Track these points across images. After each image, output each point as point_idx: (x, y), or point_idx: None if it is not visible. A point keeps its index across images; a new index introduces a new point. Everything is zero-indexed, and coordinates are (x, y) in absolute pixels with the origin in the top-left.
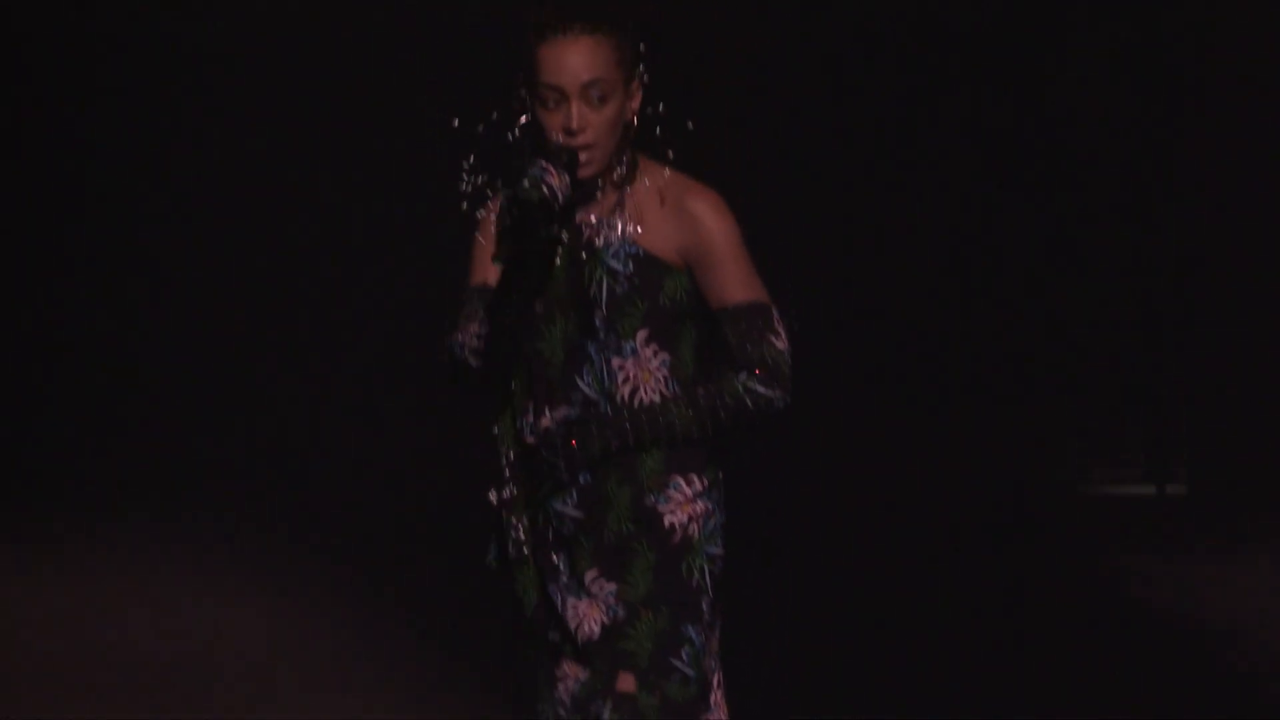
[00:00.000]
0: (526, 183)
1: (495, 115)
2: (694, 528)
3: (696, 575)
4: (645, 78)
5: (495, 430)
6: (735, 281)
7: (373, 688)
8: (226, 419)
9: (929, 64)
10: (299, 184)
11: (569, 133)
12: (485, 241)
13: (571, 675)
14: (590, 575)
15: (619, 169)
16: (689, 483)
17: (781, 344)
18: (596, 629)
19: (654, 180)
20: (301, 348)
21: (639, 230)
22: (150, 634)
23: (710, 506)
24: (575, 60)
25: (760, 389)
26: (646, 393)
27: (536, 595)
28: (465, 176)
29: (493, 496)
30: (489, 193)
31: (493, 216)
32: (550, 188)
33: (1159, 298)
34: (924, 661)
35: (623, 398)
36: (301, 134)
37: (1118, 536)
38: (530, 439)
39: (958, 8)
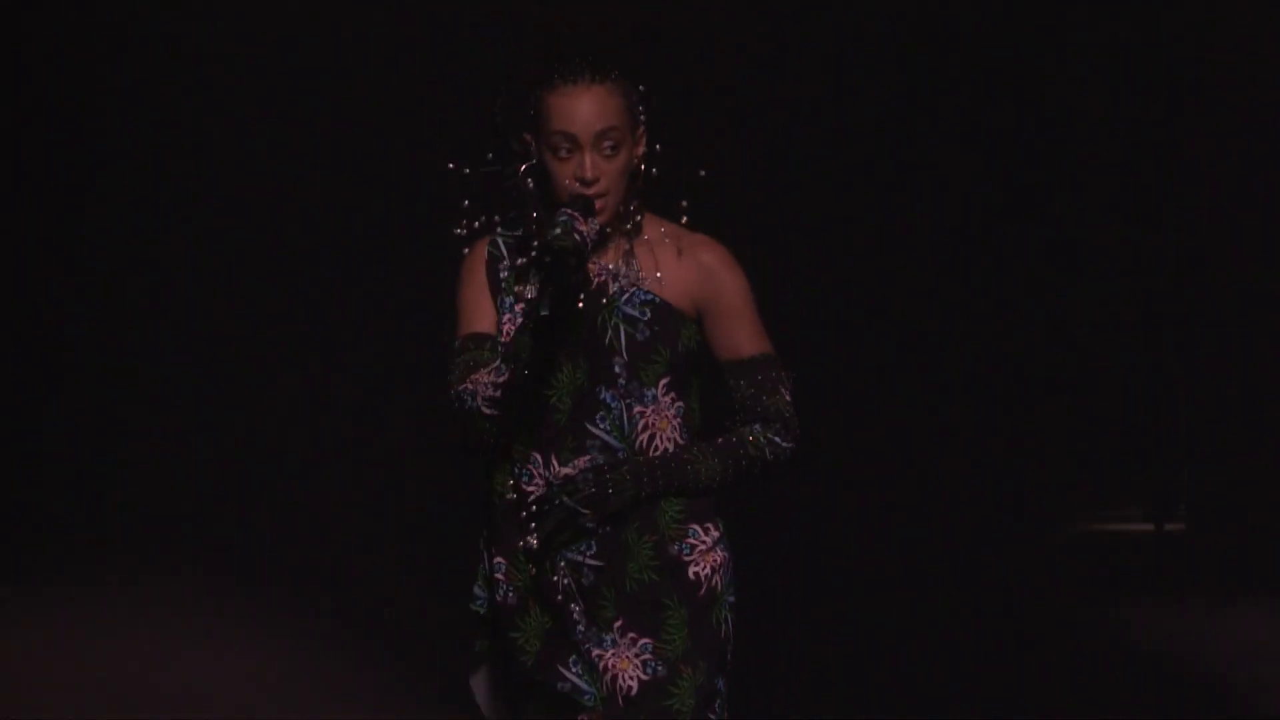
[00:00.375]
0: (559, 230)
1: (490, 156)
2: (717, 579)
3: (724, 627)
4: (645, 124)
5: (494, 478)
6: (748, 334)
7: None
8: (220, 454)
9: (924, 66)
10: (305, 188)
11: (584, 182)
12: (470, 291)
13: None
14: (617, 625)
15: (628, 217)
16: (705, 531)
17: (789, 396)
18: (635, 685)
19: (657, 230)
20: (300, 369)
21: (657, 279)
22: (141, 669)
23: (727, 555)
24: (588, 110)
25: (779, 441)
26: (662, 441)
27: (539, 644)
28: (462, 222)
29: (521, 543)
30: (478, 234)
31: (476, 265)
32: (580, 234)
33: (1163, 334)
34: (915, 696)
35: (641, 445)
36: (308, 136)
37: (1115, 574)
38: (537, 486)
39: (952, 7)
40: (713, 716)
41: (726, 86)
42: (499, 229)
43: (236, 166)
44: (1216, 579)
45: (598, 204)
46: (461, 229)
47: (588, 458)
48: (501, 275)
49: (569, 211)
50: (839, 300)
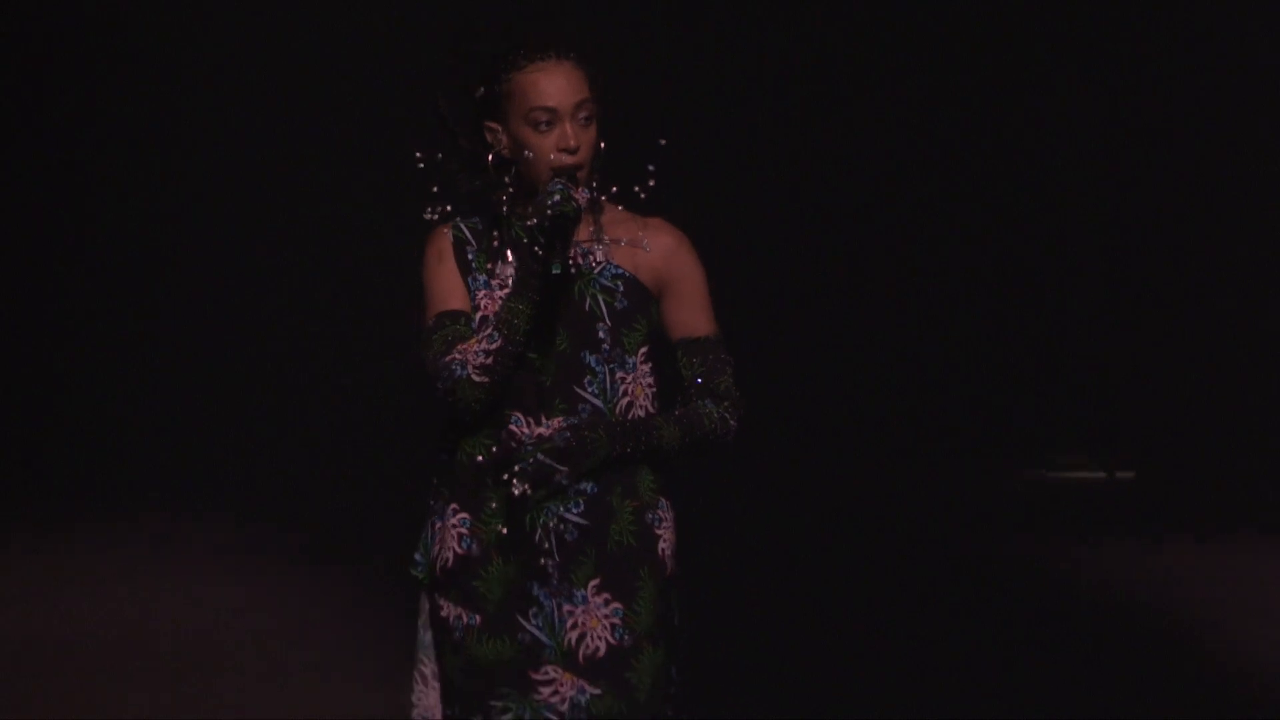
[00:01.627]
0: (559, 197)
1: (440, 156)
2: (671, 562)
3: (676, 613)
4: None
5: (464, 440)
6: (703, 314)
7: (375, 669)
8: (241, 417)
9: (873, 43)
10: (311, 182)
11: (568, 151)
12: (441, 271)
13: (567, 681)
14: (593, 584)
15: (592, 194)
16: (668, 507)
17: (733, 378)
18: (602, 647)
19: (614, 211)
20: (307, 349)
21: (629, 256)
22: (168, 614)
23: (675, 538)
24: (564, 83)
25: (729, 418)
26: (636, 409)
27: (501, 593)
28: (430, 207)
29: (515, 489)
30: (449, 216)
31: (444, 248)
32: (577, 203)
33: (1118, 298)
34: (876, 641)
35: (620, 410)
36: (312, 132)
37: (1072, 519)
38: (517, 445)
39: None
40: (669, 705)
41: (670, 69)
42: (457, 217)
43: (249, 162)
44: (1163, 522)
45: (580, 174)
46: (431, 213)
47: (560, 418)
48: (470, 257)
49: (562, 181)
50: (799, 259)
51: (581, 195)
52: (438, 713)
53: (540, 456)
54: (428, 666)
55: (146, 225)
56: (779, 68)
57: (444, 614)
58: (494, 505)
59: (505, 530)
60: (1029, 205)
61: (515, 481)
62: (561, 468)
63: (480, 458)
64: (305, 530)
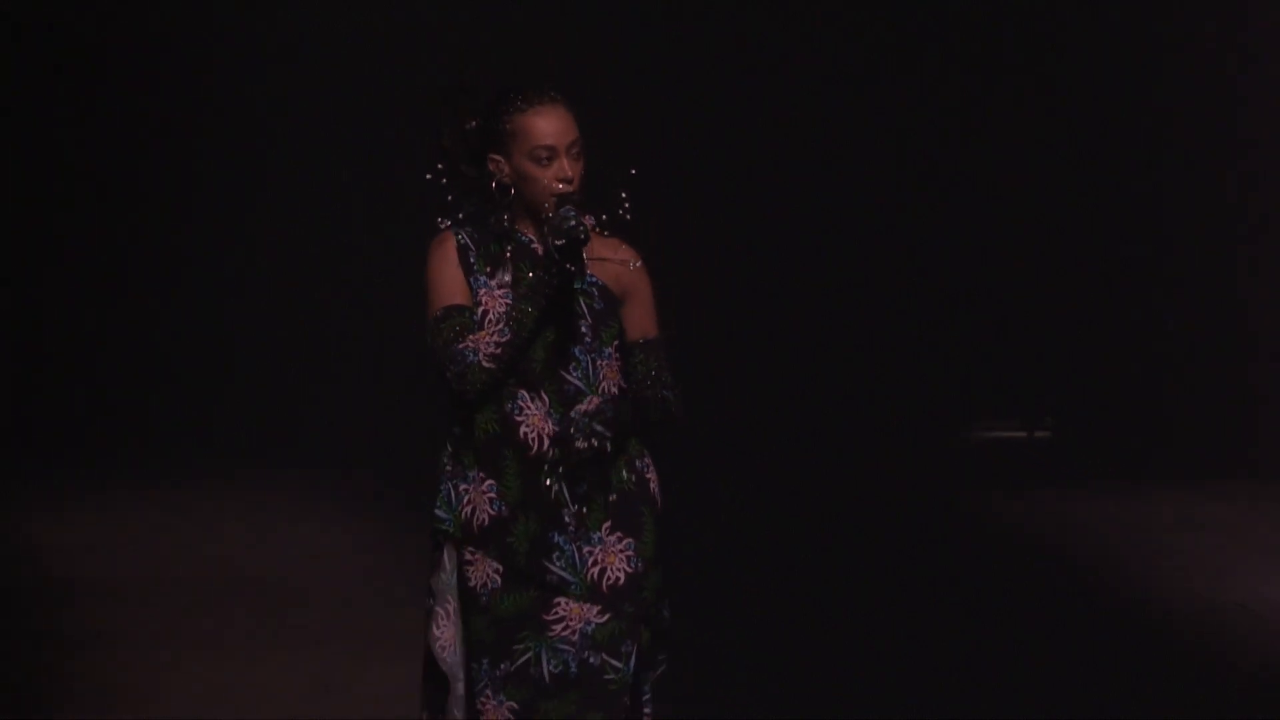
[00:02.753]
0: (573, 222)
1: (444, 180)
2: (659, 498)
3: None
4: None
5: (478, 416)
6: (652, 318)
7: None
8: (322, 381)
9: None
10: (356, 177)
11: (566, 181)
12: (447, 271)
13: (575, 617)
14: (606, 526)
15: (599, 220)
16: (649, 457)
17: (671, 370)
18: (621, 577)
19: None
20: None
21: (602, 267)
22: (254, 556)
23: (659, 479)
24: (560, 124)
25: (675, 404)
26: (609, 388)
27: (528, 546)
28: (441, 217)
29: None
30: (460, 224)
31: (449, 251)
32: (585, 226)
33: (1036, 276)
34: (822, 582)
35: (603, 390)
36: (347, 131)
37: (996, 473)
38: (526, 418)
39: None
40: (666, 613)
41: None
42: (460, 227)
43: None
44: (1076, 476)
45: (575, 199)
46: (443, 221)
47: (591, 399)
48: (471, 260)
49: (572, 208)
50: (748, 243)
51: (588, 220)
52: (454, 645)
53: (596, 425)
54: (450, 604)
55: (236, 208)
56: (717, 60)
57: (472, 582)
58: (546, 468)
59: (555, 485)
60: (959, 192)
61: (580, 441)
62: (608, 432)
63: (494, 430)
64: (359, 482)
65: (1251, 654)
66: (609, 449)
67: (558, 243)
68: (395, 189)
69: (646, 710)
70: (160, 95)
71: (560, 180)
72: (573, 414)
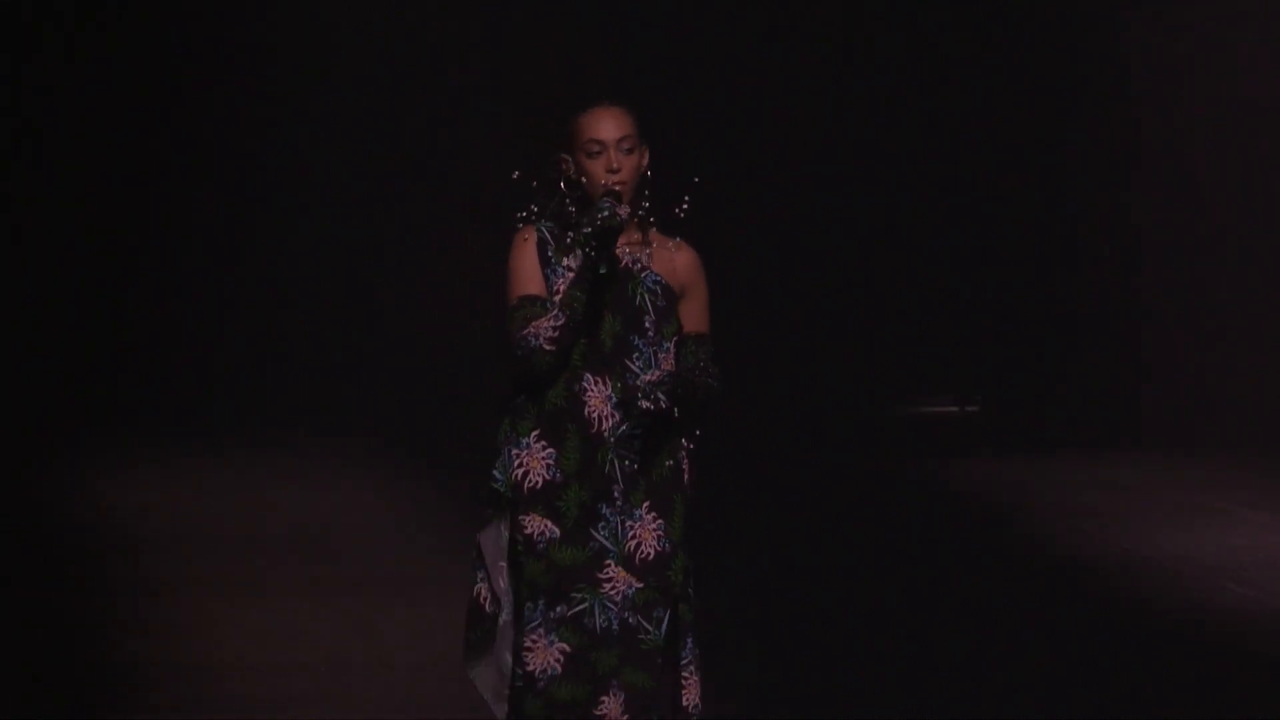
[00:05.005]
0: (607, 213)
1: (534, 182)
2: (691, 489)
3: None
4: (645, 145)
5: (546, 391)
6: (705, 316)
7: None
8: (366, 359)
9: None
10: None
11: (612, 171)
12: (525, 263)
13: (620, 579)
14: (645, 505)
15: (638, 212)
16: (687, 450)
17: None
18: (651, 553)
19: (651, 232)
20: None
21: (669, 266)
22: (301, 512)
23: (692, 470)
24: (611, 121)
25: (718, 393)
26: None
27: (577, 512)
28: (519, 214)
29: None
30: (532, 220)
31: (528, 244)
32: (620, 217)
33: (969, 261)
34: (772, 543)
35: (655, 378)
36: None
37: (930, 443)
38: (591, 397)
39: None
40: (691, 592)
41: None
42: (542, 222)
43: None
44: (1003, 446)
45: (621, 190)
46: (522, 215)
47: (654, 371)
48: (549, 254)
49: (609, 200)
50: (692, 221)
51: (624, 210)
52: (502, 592)
53: (659, 392)
54: (499, 561)
55: (292, 195)
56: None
57: (528, 530)
58: (601, 447)
59: (608, 460)
60: (900, 174)
61: (644, 402)
62: (667, 401)
63: (560, 404)
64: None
65: (1160, 598)
66: (668, 412)
67: (585, 230)
68: (441, 174)
69: (685, 675)
70: (219, 77)
71: (608, 171)
72: (638, 381)
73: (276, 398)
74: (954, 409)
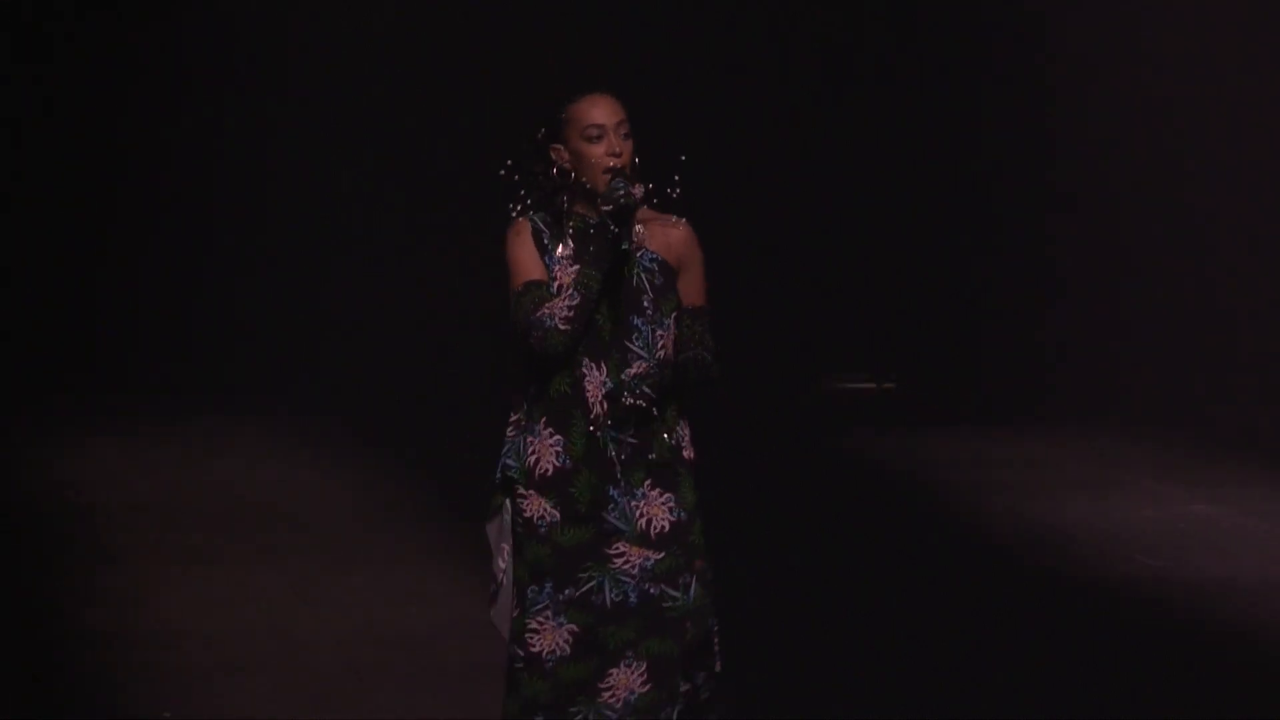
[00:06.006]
0: (622, 191)
1: (524, 167)
2: (693, 459)
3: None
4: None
5: (552, 379)
6: (701, 290)
7: (435, 543)
8: (318, 339)
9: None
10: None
11: (614, 154)
12: (524, 252)
13: (634, 554)
14: (647, 484)
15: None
16: (686, 424)
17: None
18: (667, 525)
19: (644, 210)
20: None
21: (664, 243)
22: (250, 484)
23: (692, 443)
24: (610, 107)
25: (714, 367)
26: (666, 357)
27: (590, 495)
28: (512, 205)
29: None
30: (524, 211)
31: (525, 234)
32: (634, 195)
33: (880, 238)
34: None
35: (660, 358)
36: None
37: (849, 417)
38: (592, 383)
39: None
40: (708, 559)
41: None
42: (532, 213)
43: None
44: (918, 422)
45: (626, 173)
46: (514, 208)
47: (641, 364)
48: (545, 241)
49: (621, 179)
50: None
51: (637, 189)
52: (499, 569)
53: (643, 387)
54: (506, 541)
55: (256, 180)
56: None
57: (528, 513)
58: (593, 425)
59: (602, 439)
60: (805, 159)
61: (627, 399)
62: (653, 394)
63: (566, 391)
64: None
65: (1067, 568)
66: (653, 410)
67: (606, 208)
68: (405, 154)
69: (715, 640)
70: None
71: (610, 154)
72: (622, 376)
73: (228, 376)
74: (871, 386)
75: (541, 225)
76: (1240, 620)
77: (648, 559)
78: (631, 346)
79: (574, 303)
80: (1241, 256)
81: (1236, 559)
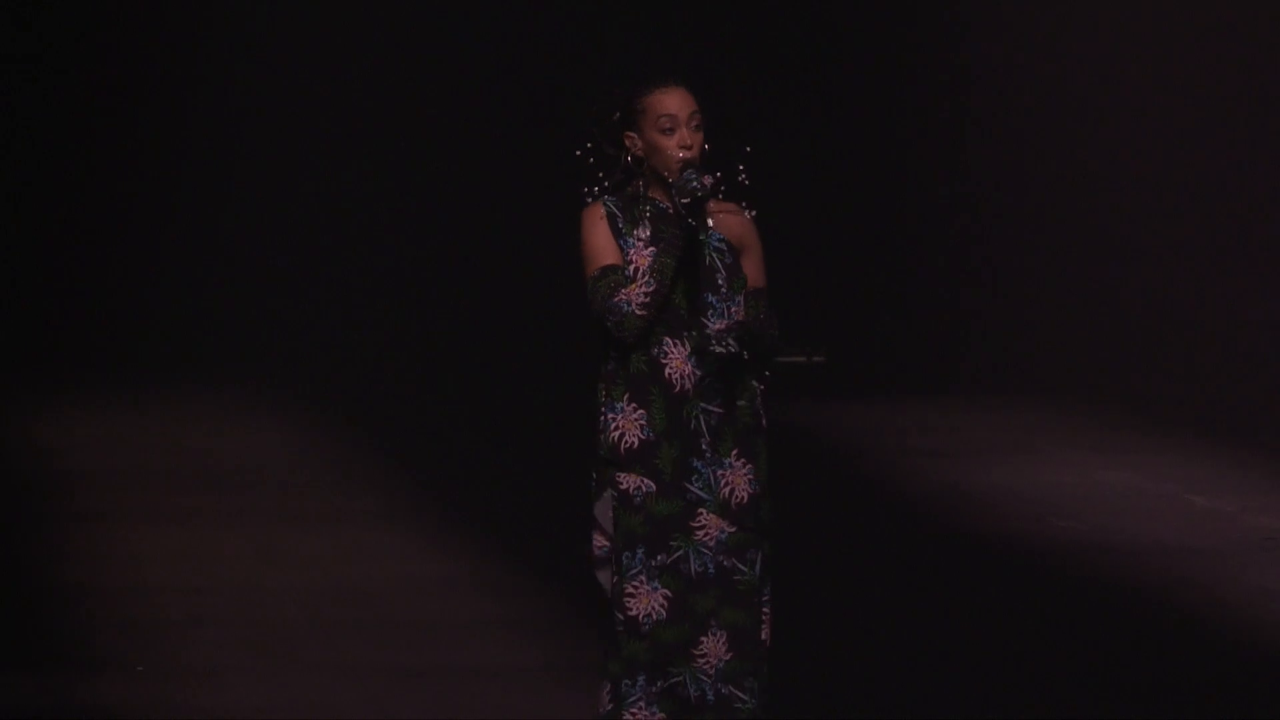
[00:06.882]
0: (695, 181)
1: (595, 154)
2: (767, 430)
3: None
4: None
5: (631, 357)
6: (762, 270)
7: (391, 505)
8: (282, 310)
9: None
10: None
11: (686, 147)
12: (600, 236)
13: (713, 525)
14: (734, 453)
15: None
16: (761, 395)
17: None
18: (745, 496)
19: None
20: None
21: (727, 228)
22: (216, 449)
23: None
24: (682, 100)
25: (777, 342)
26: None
27: (672, 468)
28: (585, 190)
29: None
30: (598, 195)
31: (601, 219)
32: (705, 185)
33: (808, 219)
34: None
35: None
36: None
37: (780, 389)
38: (669, 360)
39: None
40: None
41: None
42: (606, 197)
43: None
44: (844, 389)
45: (697, 163)
46: (588, 193)
47: (723, 321)
48: (620, 226)
49: (694, 170)
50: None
51: (708, 180)
52: (607, 541)
53: (729, 338)
54: (607, 517)
55: (223, 153)
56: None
57: (624, 486)
58: (687, 404)
59: (694, 418)
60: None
61: (717, 347)
62: (736, 346)
63: (644, 369)
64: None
65: (981, 528)
66: (739, 356)
67: (684, 200)
68: (378, 130)
69: (766, 611)
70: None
71: (682, 147)
72: (708, 330)
73: (198, 349)
74: (802, 359)
75: (615, 209)
76: (1151, 580)
77: (723, 531)
78: (708, 323)
79: (650, 289)
80: (1160, 234)
81: (1148, 522)
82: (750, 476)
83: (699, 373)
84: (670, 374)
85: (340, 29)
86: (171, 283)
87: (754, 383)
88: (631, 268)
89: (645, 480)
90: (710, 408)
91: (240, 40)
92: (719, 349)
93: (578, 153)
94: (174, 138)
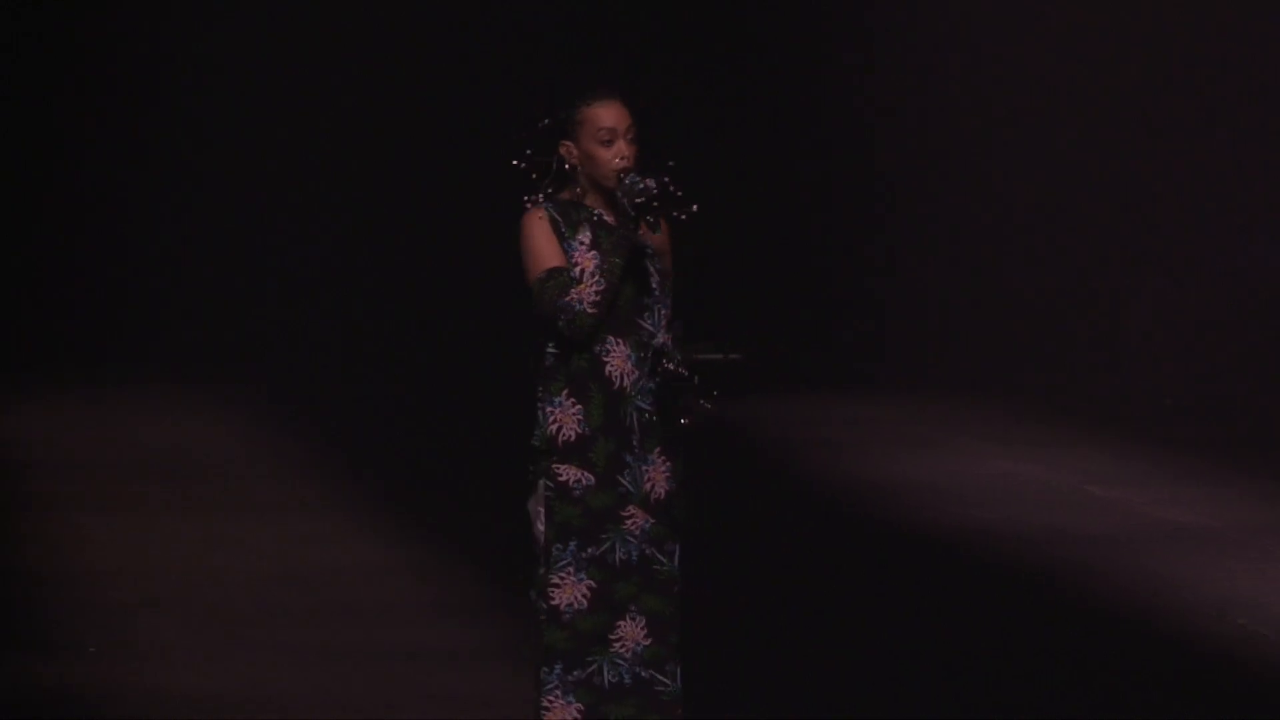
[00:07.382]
0: (642, 185)
1: (535, 166)
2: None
3: None
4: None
5: (573, 356)
6: (670, 269)
7: (336, 493)
8: (234, 310)
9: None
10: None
11: (624, 158)
12: (543, 240)
13: (639, 515)
14: (657, 451)
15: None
16: None
17: None
18: (663, 493)
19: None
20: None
21: (648, 234)
22: (167, 442)
23: None
24: (620, 113)
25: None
26: (665, 332)
27: (605, 462)
28: (526, 197)
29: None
30: (534, 206)
31: (543, 222)
32: (652, 187)
33: (727, 218)
34: None
35: (672, 330)
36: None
37: (699, 385)
38: (613, 358)
39: None
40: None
41: None
42: (546, 203)
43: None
44: (761, 387)
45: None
46: (528, 199)
47: (667, 336)
48: (562, 230)
49: (636, 175)
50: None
51: (650, 181)
52: (539, 533)
53: (678, 354)
54: (543, 506)
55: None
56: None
57: (563, 478)
58: (623, 400)
59: (629, 415)
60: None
61: (669, 364)
62: (684, 367)
63: (585, 365)
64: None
65: (884, 516)
66: (687, 379)
67: (637, 201)
68: (338, 127)
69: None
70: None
71: (619, 158)
72: (658, 343)
73: (152, 346)
74: (719, 357)
75: (555, 214)
76: (1051, 565)
77: (647, 521)
78: (643, 324)
79: (600, 288)
80: (1069, 237)
81: (1051, 511)
82: (668, 474)
83: (638, 372)
84: (610, 371)
85: (303, 33)
86: (130, 279)
87: (701, 402)
88: (577, 270)
89: (585, 473)
90: (644, 406)
91: (211, 40)
92: (670, 365)
93: (515, 162)
94: (134, 132)
